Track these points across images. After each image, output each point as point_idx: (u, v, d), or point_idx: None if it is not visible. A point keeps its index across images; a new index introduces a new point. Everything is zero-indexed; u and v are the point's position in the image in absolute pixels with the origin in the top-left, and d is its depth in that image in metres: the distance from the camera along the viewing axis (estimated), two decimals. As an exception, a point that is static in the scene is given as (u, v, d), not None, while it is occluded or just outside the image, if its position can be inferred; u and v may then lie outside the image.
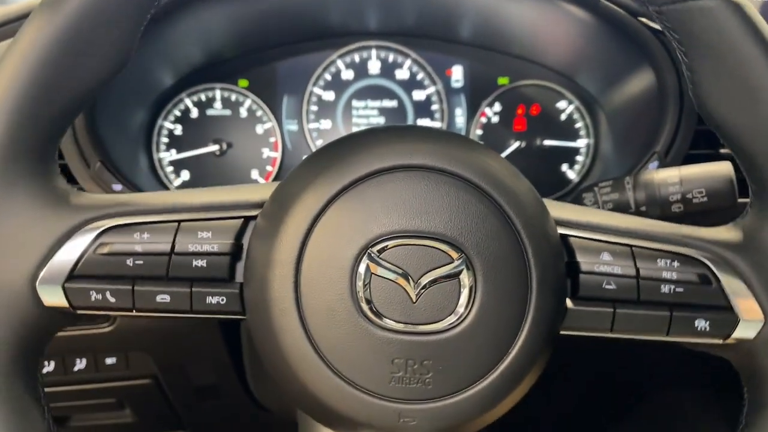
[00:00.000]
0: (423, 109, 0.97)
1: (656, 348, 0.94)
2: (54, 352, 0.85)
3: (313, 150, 0.94)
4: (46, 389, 0.46)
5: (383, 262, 0.42)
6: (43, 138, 0.43)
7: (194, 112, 0.94)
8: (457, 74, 0.97)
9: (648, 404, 1.11)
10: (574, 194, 0.75)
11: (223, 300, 0.45)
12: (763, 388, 0.46)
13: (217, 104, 0.94)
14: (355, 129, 0.96)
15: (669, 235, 0.47)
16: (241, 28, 0.92)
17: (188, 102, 0.94)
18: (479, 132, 0.96)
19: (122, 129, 0.88)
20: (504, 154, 0.95)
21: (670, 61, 0.82)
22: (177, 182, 0.94)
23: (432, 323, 0.42)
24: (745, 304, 0.45)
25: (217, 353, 0.90)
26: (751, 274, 0.46)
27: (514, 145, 0.96)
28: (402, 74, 0.96)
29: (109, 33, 0.43)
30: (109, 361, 0.85)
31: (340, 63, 0.96)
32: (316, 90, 0.96)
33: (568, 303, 0.46)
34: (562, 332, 0.46)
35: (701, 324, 0.45)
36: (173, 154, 0.94)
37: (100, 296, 0.44)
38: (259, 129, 0.95)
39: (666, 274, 0.45)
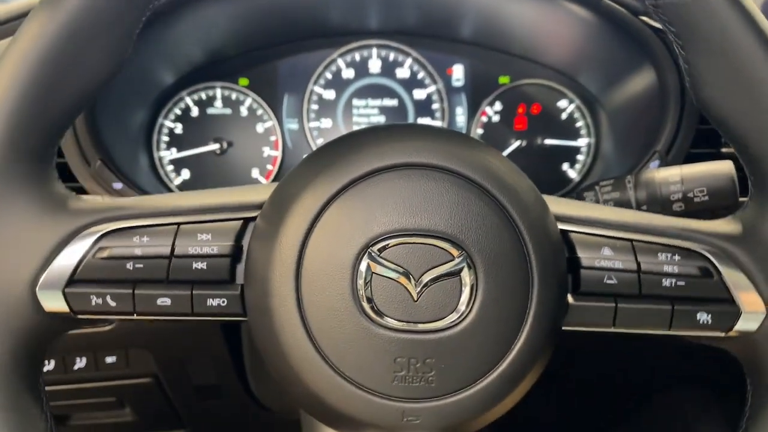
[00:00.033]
0: (424, 108, 0.96)
1: (656, 348, 0.94)
2: (54, 351, 0.85)
3: (314, 149, 0.94)
4: (47, 388, 0.46)
5: (384, 261, 0.42)
6: (42, 141, 0.43)
7: (195, 111, 0.94)
8: (458, 73, 0.97)
9: (648, 404, 1.11)
10: (574, 193, 0.75)
11: (223, 302, 0.45)
12: (766, 379, 0.46)
13: (218, 103, 0.94)
14: (355, 128, 0.96)
15: (669, 228, 0.47)
16: (241, 26, 0.92)
17: (189, 101, 0.94)
18: (480, 131, 0.96)
19: (123, 127, 0.88)
20: (505, 153, 0.95)
21: (672, 60, 0.82)
22: (177, 181, 0.94)
23: (434, 321, 0.42)
24: (746, 296, 0.45)
25: (218, 352, 0.90)
26: (752, 266, 0.46)
27: (515, 144, 0.96)
28: (403, 73, 0.96)
29: (107, 32, 0.42)
30: (110, 359, 0.85)
31: (340, 62, 0.96)
32: (317, 89, 0.96)
33: (570, 299, 0.46)
34: (564, 328, 0.46)
35: (703, 317, 0.45)
36: (174, 153, 0.94)
37: (100, 300, 0.44)
38: (260, 128, 0.95)
39: (667, 268, 0.45)
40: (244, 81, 0.95)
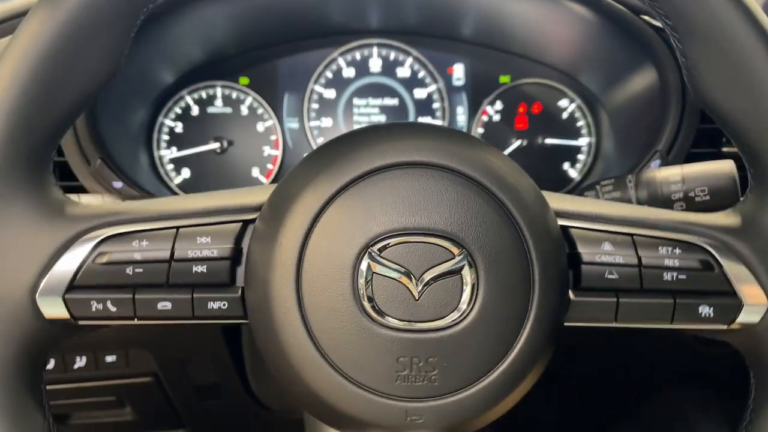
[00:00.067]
0: (424, 107, 0.96)
1: (657, 346, 0.94)
2: (54, 350, 0.85)
3: (314, 148, 0.94)
4: (47, 387, 0.46)
5: (384, 261, 0.42)
6: (39, 146, 0.43)
7: (195, 110, 0.94)
8: (459, 72, 0.97)
9: (648, 402, 1.11)
10: (575, 193, 0.75)
11: (224, 305, 0.44)
12: None
13: (218, 102, 0.94)
14: (356, 127, 0.96)
15: (669, 222, 0.47)
16: (242, 25, 0.91)
17: (189, 99, 0.94)
18: (481, 130, 0.96)
19: (123, 126, 0.87)
20: (505, 153, 0.95)
21: (673, 59, 0.82)
22: (177, 180, 0.94)
23: (435, 320, 0.42)
24: (748, 288, 0.45)
25: (218, 351, 0.90)
26: (753, 259, 0.46)
27: (516, 143, 0.96)
28: (403, 72, 0.96)
29: (106, 31, 0.42)
30: (110, 359, 0.85)
31: (341, 61, 0.95)
32: (317, 88, 0.96)
33: (571, 294, 0.45)
34: (566, 324, 0.46)
35: (705, 310, 0.45)
36: (174, 152, 0.94)
37: (101, 306, 0.44)
38: (260, 127, 0.95)
39: (668, 262, 0.45)
40: (244, 80, 0.95)
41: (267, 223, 0.44)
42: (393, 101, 0.96)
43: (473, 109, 0.96)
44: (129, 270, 0.44)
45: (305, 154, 0.48)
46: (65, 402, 0.91)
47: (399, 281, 0.42)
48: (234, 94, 0.94)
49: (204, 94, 0.94)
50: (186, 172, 0.94)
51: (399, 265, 0.42)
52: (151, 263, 0.44)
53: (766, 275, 0.45)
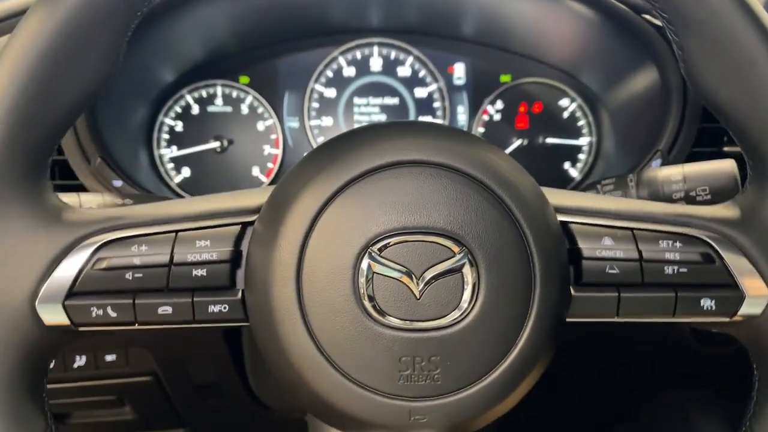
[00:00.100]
0: (425, 106, 0.96)
1: (657, 347, 0.94)
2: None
3: (314, 147, 0.94)
4: (47, 386, 0.46)
5: (385, 261, 0.42)
6: (35, 153, 0.43)
7: (195, 109, 0.94)
8: (459, 71, 0.96)
9: (648, 404, 1.11)
10: (576, 192, 0.75)
11: (225, 308, 0.44)
12: None
13: (218, 101, 0.94)
14: (356, 126, 0.96)
15: (669, 215, 0.47)
16: (242, 24, 0.91)
17: (189, 98, 0.94)
18: (481, 129, 0.96)
19: (123, 125, 0.87)
20: (506, 152, 0.95)
21: (674, 58, 0.82)
22: (178, 179, 0.94)
23: (437, 319, 0.42)
24: (749, 280, 0.45)
25: (218, 351, 0.90)
26: (754, 250, 0.46)
27: (517, 142, 0.96)
28: (404, 71, 0.96)
29: (102, 32, 0.42)
30: (109, 358, 0.85)
31: (341, 60, 0.95)
32: (318, 87, 0.95)
33: (572, 290, 0.45)
34: (568, 320, 0.46)
35: (707, 303, 0.45)
36: (174, 151, 0.94)
37: (101, 312, 0.44)
38: (260, 126, 0.95)
39: (669, 255, 0.45)
40: (244, 79, 0.94)
41: (266, 225, 0.44)
42: (393, 100, 0.96)
43: (474, 109, 0.96)
44: (129, 275, 0.44)
45: (304, 155, 0.48)
46: (65, 401, 0.91)
47: (400, 281, 0.42)
48: (234, 93, 0.94)
49: (204, 93, 0.94)
50: (186, 171, 0.94)
51: (399, 264, 0.42)
52: (150, 268, 0.44)
53: (767, 267, 0.45)
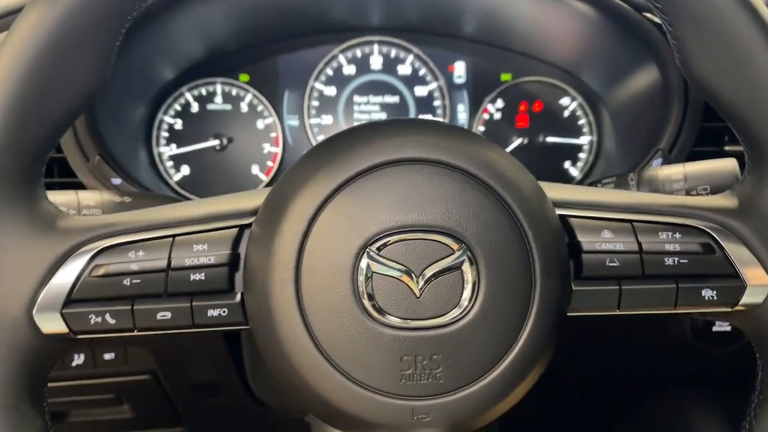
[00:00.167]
0: (425, 105, 0.96)
1: (657, 347, 0.94)
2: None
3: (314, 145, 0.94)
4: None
5: (384, 260, 0.41)
6: (29, 160, 0.42)
7: (195, 107, 0.93)
8: (460, 70, 0.96)
9: (648, 404, 1.10)
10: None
11: (224, 312, 0.44)
12: None
13: (218, 99, 0.94)
14: (356, 125, 0.96)
15: (668, 206, 0.47)
16: (242, 22, 0.91)
17: (189, 96, 0.93)
18: (482, 128, 0.96)
19: (122, 123, 0.87)
20: (506, 151, 0.95)
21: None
22: (177, 177, 0.94)
23: (438, 317, 0.42)
24: (750, 270, 0.45)
25: (217, 350, 0.90)
26: (754, 239, 0.45)
27: (517, 141, 0.95)
28: (404, 70, 0.96)
29: (94, 37, 0.41)
30: (108, 356, 0.85)
31: (341, 58, 0.95)
32: (318, 85, 0.95)
33: (573, 284, 0.45)
34: (569, 314, 0.45)
35: (708, 293, 0.45)
36: (173, 149, 0.93)
37: (99, 319, 0.43)
38: (260, 124, 0.94)
39: (669, 247, 0.45)
40: (244, 77, 0.94)
41: (263, 227, 0.43)
42: (394, 99, 0.96)
43: (474, 107, 0.96)
44: (126, 281, 0.43)
45: (302, 155, 0.48)
46: (63, 399, 0.90)
47: (399, 280, 0.41)
48: (234, 91, 0.94)
49: (204, 91, 0.94)
50: (185, 169, 0.94)
51: (399, 263, 0.41)
52: (148, 273, 0.43)
53: (767, 256, 0.45)
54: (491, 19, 0.92)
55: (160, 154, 0.93)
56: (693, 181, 0.67)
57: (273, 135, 0.95)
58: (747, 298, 0.45)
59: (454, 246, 0.42)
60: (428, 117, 0.96)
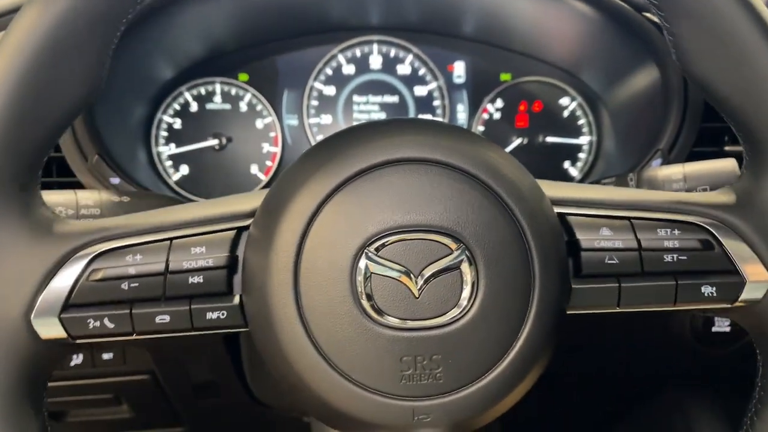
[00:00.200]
0: (424, 104, 0.96)
1: (657, 347, 0.94)
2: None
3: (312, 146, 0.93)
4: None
5: (382, 261, 0.41)
6: (26, 165, 0.42)
7: (194, 106, 0.93)
8: (459, 70, 0.96)
9: (648, 404, 1.10)
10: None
11: (223, 314, 0.44)
12: None
13: (217, 98, 0.94)
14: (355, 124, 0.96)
15: (666, 203, 0.47)
16: (241, 21, 0.91)
17: (188, 96, 0.93)
18: (481, 128, 0.96)
19: (121, 122, 0.87)
20: (506, 151, 0.95)
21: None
22: (176, 177, 0.94)
23: (437, 317, 0.41)
24: (749, 265, 0.45)
25: (215, 349, 0.89)
26: (753, 235, 0.45)
27: (516, 141, 0.95)
28: (404, 69, 0.95)
29: (90, 38, 0.41)
30: (106, 356, 0.84)
31: (341, 57, 0.95)
32: (317, 85, 0.95)
33: (572, 282, 0.45)
34: (569, 312, 0.45)
35: (708, 290, 0.45)
36: (172, 148, 0.93)
37: (98, 323, 0.43)
38: (259, 123, 0.94)
39: (668, 243, 0.45)
40: (243, 76, 0.94)
41: (261, 229, 0.43)
42: (393, 98, 0.96)
43: (474, 107, 0.96)
44: (124, 285, 0.43)
45: (298, 157, 0.47)
46: (62, 399, 0.90)
47: (398, 280, 0.41)
48: (233, 91, 0.94)
49: (203, 91, 0.93)
50: (184, 169, 0.94)
51: (397, 263, 0.41)
52: (146, 277, 0.43)
53: (766, 251, 0.45)
54: (491, 19, 0.92)
55: (159, 154, 0.93)
56: (693, 182, 0.67)
57: (272, 134, 0.95)
58: (746, 294, 0.45)
59: (453, 246, 0.41)
60: (428, 117, 0.96)
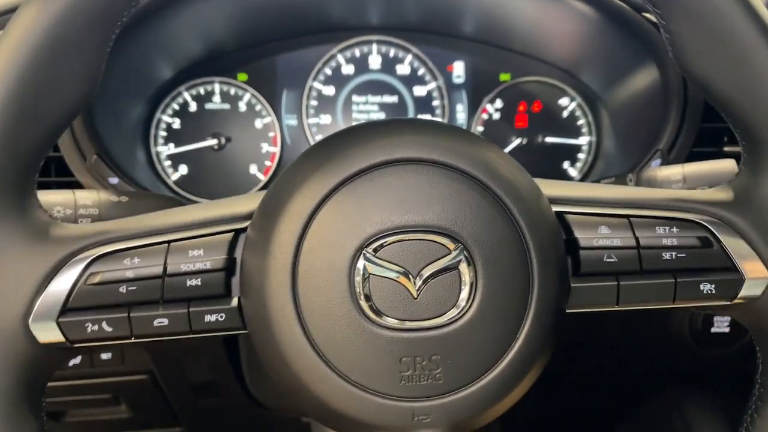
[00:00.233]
0: (424, 104, 0.96)
1: (656, 347, 0.94)
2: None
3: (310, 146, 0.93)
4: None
5: (380, 262, 0.41)
6: (23, 167, 0.42)
7: (193, 106, 0.93)
8: (459, 70, 0.96)
9: (648, 404, 1.10)
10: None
11: (221, 317, 0.44)
12: None
13: (216, 98, 0.93)
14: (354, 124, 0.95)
15: (665, 201, 0.46)
16: (240, 21, 0.91)
17: (187, 95, 0.93)
18: (481, 128, 0.96)
19: (120, 122, 0.87)
20: (505, 151, 0.95)
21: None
22: (175, 176, 0.93)
23: (436, 317, 0.41)
24: (748, 262, 0.45)
25: (214, 349, 0.89)
26: (752, 232, 0.45)
27: (516, 141, 0.95)
28: (403, 69, 0.95)
29: (85, 40, 0.41)
30: (105, 356, 0.84)
31: (340, 57, 0.95)
32: (316, 85, 0.95)
33: (571, 281, 0.45)
34: (568, 311, 0.45)
35: (707, 287, 0.45)
36: (171, 148, 0.93)
37: (96, 327, 0.43)
38: (258, 123, 0.94)
39: (666, 241, 0.45)
40: (242, 76, 0.94)
41: (259, 231, 0.43)
42: (392, 98, 0.96)
43: (473, 107, 0.96)
44: (122, 288, 0.43)
45: (296, 158, 0.47)
46: (60, 399, 0.90)
47: (397, 281, 0.41)
48: (232, 91, 0.94)
49: (202, 90, 0.93)
50: (183, 169, 0.94)
51: (396, 264, 0.41)
52: (144, 280, 0.43)
53: (765, 248, 0.45)
54: (490, 19, 0.92)
55: (157, 154, 0.93)
56: (692, 182, 0.67)
57: (271, 134, 0.94)
58: (745, 291, 0.45)
59: (451, 246, 0.41)
60: (427, 117, 0.96)
